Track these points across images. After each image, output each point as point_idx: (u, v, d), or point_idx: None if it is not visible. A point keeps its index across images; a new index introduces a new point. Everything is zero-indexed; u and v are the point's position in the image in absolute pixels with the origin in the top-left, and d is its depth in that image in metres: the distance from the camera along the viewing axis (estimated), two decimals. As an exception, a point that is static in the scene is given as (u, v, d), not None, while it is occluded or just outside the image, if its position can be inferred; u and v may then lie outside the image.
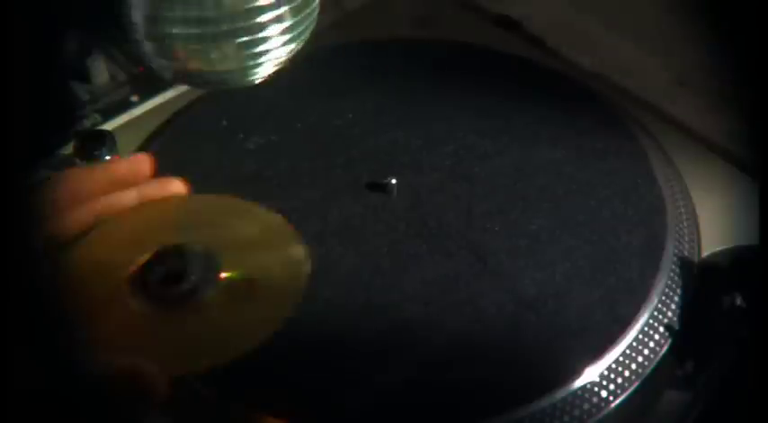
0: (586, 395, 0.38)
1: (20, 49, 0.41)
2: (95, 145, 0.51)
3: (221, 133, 0.53)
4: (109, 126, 0.54)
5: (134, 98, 0.56)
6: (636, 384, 0.39)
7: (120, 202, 0.42)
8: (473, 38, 0.59)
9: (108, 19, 0.45)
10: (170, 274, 0.39)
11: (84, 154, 0.51)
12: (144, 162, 0.42)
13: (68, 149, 0.52)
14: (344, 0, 0.65)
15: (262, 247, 0.42)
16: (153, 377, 0.34)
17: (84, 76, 0.57)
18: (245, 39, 0.44)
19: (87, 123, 0.55)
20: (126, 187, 0.42)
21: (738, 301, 0.40)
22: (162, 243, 0.41)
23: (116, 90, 0.57)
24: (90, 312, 0.38)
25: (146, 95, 0.56)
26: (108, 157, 0.51)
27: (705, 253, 0.45)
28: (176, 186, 0.43)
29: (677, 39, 0.57)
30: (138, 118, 0.56)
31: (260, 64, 0.45)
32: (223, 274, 0.40)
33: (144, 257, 0.40)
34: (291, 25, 0.44)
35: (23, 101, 0.39)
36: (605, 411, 0.39)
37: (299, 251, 0.40)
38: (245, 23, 0.43)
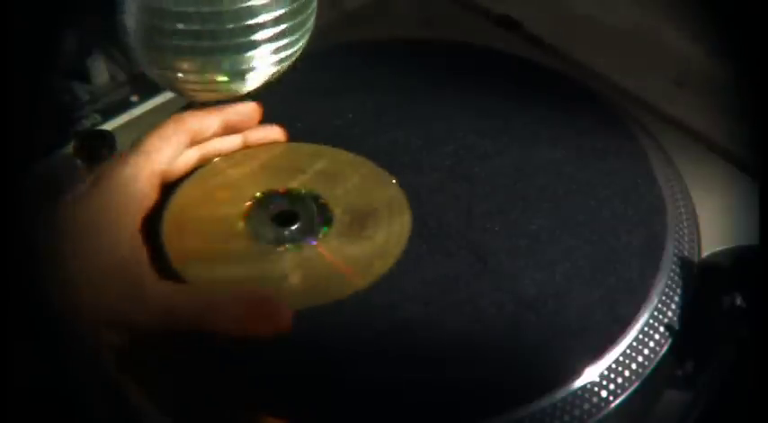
0: (586, 395, 0.38)
1: (20, 49, 0.41)
2: (95, 145, 0.51)
3: None
4: (109, 126, 0.54)
5: (134, 98, 0.56)
6: (636, 384, 0.39)
7: (225, 147, 0.46)
8: (473, 38, 0.59)
9: (108, 19, 0.45)
10: (281, 216, 0.43)
11: (84, 154, 0.51)
12: (255, 110, 0.46)
13: (68, 149, 0.52)
14: (344, 0, 0.65)
15: (365, 190, 0.45)
16: (284, 310, 0.38)
17: (84, 76, 0.57)
18: (240, 51, 0.44)
19: (87, 123, 0.55)
20: (234, 132, 0.46)
21: (738, 301, 0.40)
22: (268, 186, 0.45)
23: (116, 90, 0.57)
24: (203, 252, 0.42)
25: (146, 95, 0.56)
26: (108, 158, 0.51)
27: (705, 253, 0.45)
28: (277, 133, 0.47)
29: (677, 38, 0.57)
30: (138, 118, 0.56)
31: (253, 74, 0.45)
32: (331, 216, 0.43)
33: (252, 198, 0.44)
34: (286, 35, 0.45)
35: (23, 101, 0.39)
36: (605, 411, 0.39)
37: (397, 193, 0.45)
38: (241, 36, 0.43)
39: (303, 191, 0.45)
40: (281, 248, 0.42)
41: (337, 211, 0.44)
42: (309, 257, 0.42)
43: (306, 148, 0.48)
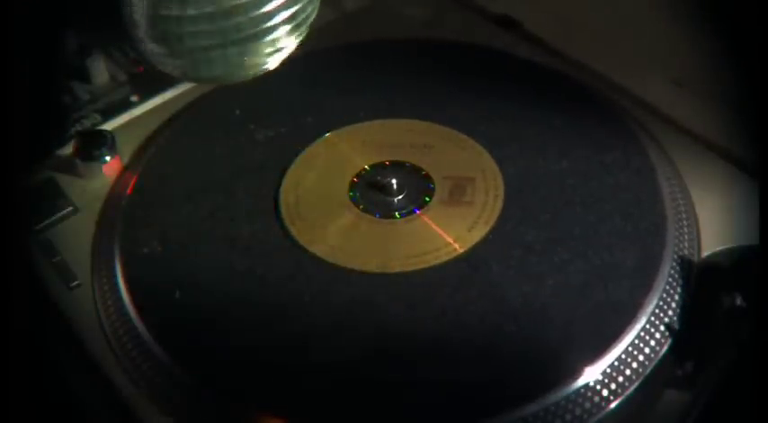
0: (586, 395, 0.38)
1: (20, 49, 0.41)
2: (95, 145, 0.51)
3: (233, 123, 0.53)
4: (109, 126, 0.54)
5: (134, 98, 0.56)
6: (636, 384, 0.39)
7: None
8: (473, 38, 0.59)
9: (108, 19, 0.45)
10: (384, 187, 0.47)
11: (85, 154, 0.51)
12: None
13: (68, 149, 0.52)
14: (344, 0, 0.65)
15: (462, 161, 0.49)
16: None
17: (84, 76, 0.57)
18: (249, 33, 0.44)
19: (87, 123, 0.55)
20: None
21: (738, 301, 0.40)
22: (372, 159, 0.49)
23: (116, 90, 0.57)
24: (316, 220, 0.46)
25: (146, 95, 0.56)
26: (108, 158, 0.51)
27: (705, 253, 0.45)
28: None
29: (677, 39, 0.57)
30: (138, 118, 0.56)
31: (264, 57, 0.45)
32: (433, 187, 0.47)
33: (359, 171, 0.48)
34: (293, 16, 0.45)
35: (23, 101, 0.39)
36: (605, 411, 0.39)
37: (491, 164, 0.48)
38: (248, 18, 0.43)
39: (407, 163, 0.49)
40: (384, 219, 0.46)
41: (437, 181, 0.48)
42: (415, 225, 0.45)
43: (400, 123, 0.52)
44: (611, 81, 0.56)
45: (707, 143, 0.52)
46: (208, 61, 0.44)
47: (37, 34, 0.48)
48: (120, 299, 0.44)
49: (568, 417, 0.38)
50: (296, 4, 0.45)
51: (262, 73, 0.47)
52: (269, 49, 0.45)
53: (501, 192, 0.47)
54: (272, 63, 0.46)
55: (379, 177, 0.48)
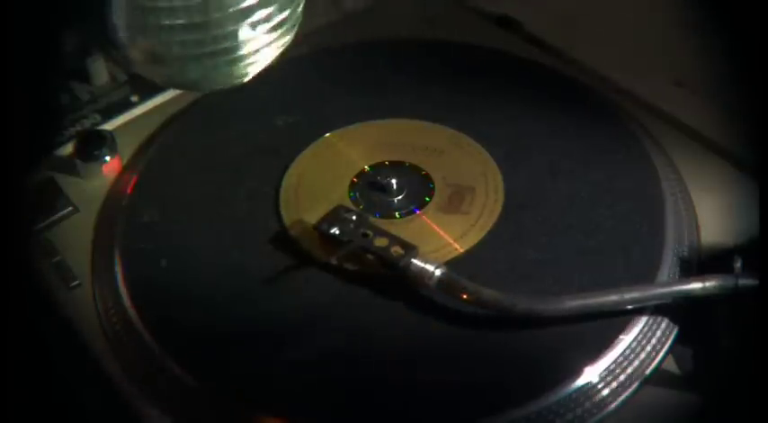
0: (586, 395, 0.38)
1: (20, 49, 0.41)
2: (95, 145, 0.51)
3: (233, 124, 0.54)
4: (109, 126, 0.54)
5: (134, 98, 0.56)
6: (636, 384, 0.39)
7: None
8: (473, 38, 0.59)
9: (108, 19, 0.45)
10: (384, 187, 0.47)
11: (84, 154, 0.51)
12: None
13: (68, 149, 0.52)
14: (344, 0, 0.65)
15: (462, 161, 0.49)
16: None
17: (85, 76, 0.57)
18: (230, 43, 0.44)
19: (87, 123, 0.55)
20: None
21: (739, 264, 0.39)
22: (375, 159, 0.49)
23: (116, 90, 0.57)
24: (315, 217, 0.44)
25: (146, 95, 0.57)
26: (108, 158, 0.51)
27: (705, 253, 0.45)
28: None
29: (677, 39, 0.57)
30: (138, 118, 0.56)
31: (247, 65, 0.46)
32: (432, 186, 0.47)
33: (360, 170, 0.49)
34: (277, 24, 0.45)
35: (23, 100, 0.39)
36: (605, 411, 0.39)
37: (491, 163, 0.48)
38: (231, 28, 0.44)
39: (407, 163, 0.49)
40: (388, 218, 0.46)
41: (438, 183, 0.48)
42: (415, 225, 0.45)
43: (401, 123, 0.52)
44: (611, 81, 0.56)
45: (707, 143, 0.52)
46: (186, 69, 0.45)
47: (37, 34, 0.48)
48: (119, 299, 0.44)
49: (568, 416, 0.38)
50: (278, 15, 0.45)
51: (239, 83, 0.47)
52: (247, 61, 0.45)
53: (500, 190, 0.47)
54: (250, 74, 0.47)
55: (378, 177, 0.48)
